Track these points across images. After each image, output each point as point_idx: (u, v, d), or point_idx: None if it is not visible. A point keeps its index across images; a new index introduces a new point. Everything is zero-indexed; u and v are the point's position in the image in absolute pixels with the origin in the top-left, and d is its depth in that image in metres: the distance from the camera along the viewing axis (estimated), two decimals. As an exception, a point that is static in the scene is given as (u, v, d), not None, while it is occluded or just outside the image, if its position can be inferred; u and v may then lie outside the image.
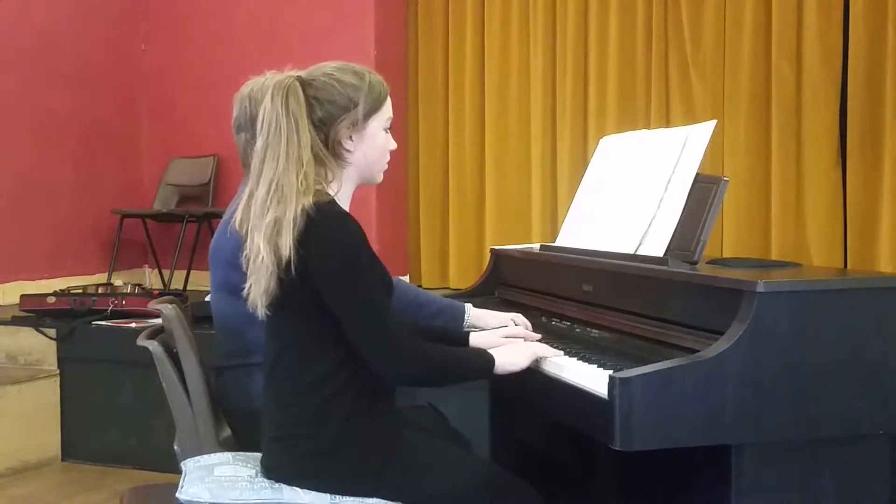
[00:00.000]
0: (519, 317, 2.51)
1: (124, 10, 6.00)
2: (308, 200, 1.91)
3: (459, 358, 2.10)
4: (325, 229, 1.91)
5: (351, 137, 2.03)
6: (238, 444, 2.36)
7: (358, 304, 1.92)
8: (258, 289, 1.94)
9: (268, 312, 1.97)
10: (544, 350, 2.14)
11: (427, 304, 2.57)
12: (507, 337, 2.29)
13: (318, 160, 1.98)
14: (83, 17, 5.73)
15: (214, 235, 2.54)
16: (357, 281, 1.92)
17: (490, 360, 2.06)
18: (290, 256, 1.87)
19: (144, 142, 6.14)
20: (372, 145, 2.06)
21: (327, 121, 2.00)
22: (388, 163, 2.13)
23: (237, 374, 2.41)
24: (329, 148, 2.01)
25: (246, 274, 1.99)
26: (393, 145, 2.11)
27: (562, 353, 2.13)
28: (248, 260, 1.96)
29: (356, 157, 2.05)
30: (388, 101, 2.08)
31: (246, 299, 1.97)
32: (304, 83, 1.99)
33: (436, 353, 2.04)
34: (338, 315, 1.92)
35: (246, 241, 1.98)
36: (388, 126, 2.09)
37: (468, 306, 2.58)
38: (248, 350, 2.37)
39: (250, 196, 1.98)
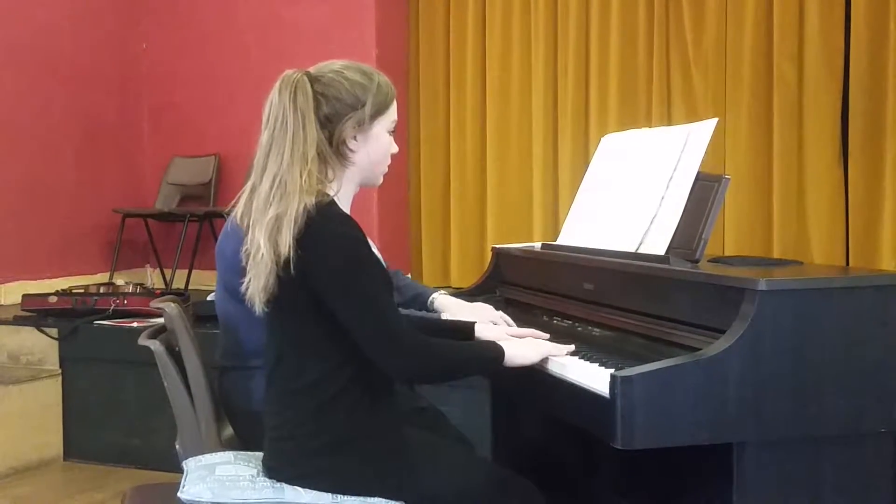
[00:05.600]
0: (489, 308, 2.53)
1: (125, 8, 6.00)
2: (310, 199, 1.90)
3: (467, 351, 2.09)
4: (325, 230, 1.90)
5: (355, 137, 2.02)
6: (239, 444, 2.36)
7: (361, 304, 1.91)
8: (257, 284, 1.93)
9: (266, 309, 1.96)
10: (556, 349, 2.12)
11: (404, 289, 2.64)
12: (513, 336, 2.27)
13: (322, 158, 1.97)
14: (84, 16, 5.73)
15: (221, 232, 2.52)
16: (359, 281, 1.91)
17: (500, 352, 2.04)
18: (289, 254, 1.87)
19: (146, 141, 6.15)
20: (376, 147, 2.05)
21: (333, 118, 1.99)
22: (389, 166, 2.13)
23: (237, 376, 2.41)
24: (333, 146, 1.99)
25: (242, 276, 1.98)
26: (395, 149, 2.11)
27: (572, 347, 2.12)
28: (249, 255, 1.95)
29: (359, 158, 2.04)
30: (395, 104, 2.08)
31: (244, 294, 1.97)
32: (312, 79, 1.98)
33: (443, 348, 2.02)
34: (341, 316, 1.91)
35: (247, 235, 1.97)
36: (392, 129, 2.08)
37: (434, 295, 2.65)
38: (245, 353, 2.37)
39: (253, 190, 1.97)
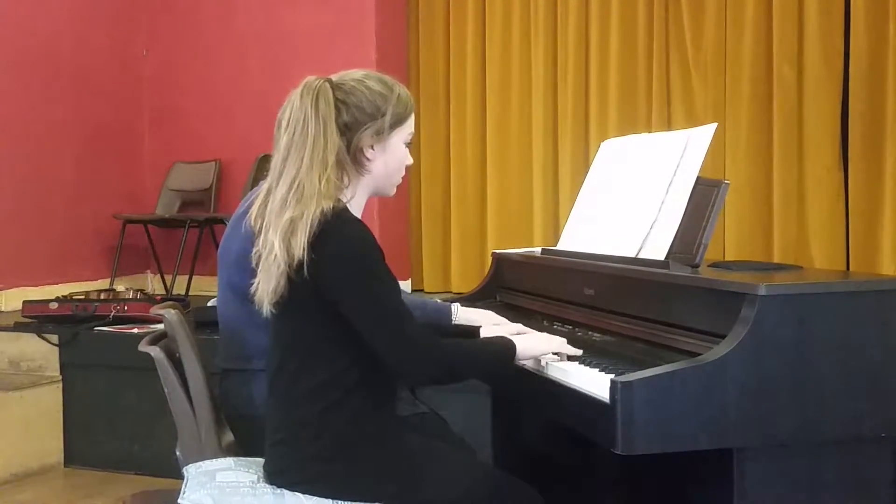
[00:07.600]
0: (492, 314, 2.53)
1: (126, 15, 6.01)
2: (328, 204, 1.91)
3: (479, 350, 2.11)
4: (339, 234, 1.91)
5: (373, 147, 2.03)
6: (240, 450, 2.36)
7: (374, 307, 1.92)
8: (266, 286, 1.94)
9: (273, 311, 1.97)
10: (566, 346, 2.12)
11: (418, 307, 2.60)
12: (518, 334, 2.28)
13: (339, 165, 1.98)
14: (85, 23, 5.74)
15: (224, 233, 2.52)
16: (372, 285, 1.92)
17: (511, 348, 2.06)
18: (302, 257, 1.88)
19: (146, 147, 6.15)
20: (392, 157, 2.06)
21: (352, 126, 2.00)
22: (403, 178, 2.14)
23: (238, 379, 2.41)
24: (350, 154, 2.01)
25: (249, 276, 1.99)
26: (410, 161, 2.12)
27: (580, 352, 2.13)
28: (260, 256, 1.96)
29: (375, 167, 2.05)
30: (413, 116, 2.09)
31: (253, 296, 1.98)
32: (334, 86, 2.00)
33: (455, 348, 2.04)
34: (353, 321, 1.92)
35: (259, 237, 1.98)
36: (409, 141, 2.09)
37: (454, 306, 2.60)
38: (247, 355, 2.37)
39: (268, 193, 1.98)
